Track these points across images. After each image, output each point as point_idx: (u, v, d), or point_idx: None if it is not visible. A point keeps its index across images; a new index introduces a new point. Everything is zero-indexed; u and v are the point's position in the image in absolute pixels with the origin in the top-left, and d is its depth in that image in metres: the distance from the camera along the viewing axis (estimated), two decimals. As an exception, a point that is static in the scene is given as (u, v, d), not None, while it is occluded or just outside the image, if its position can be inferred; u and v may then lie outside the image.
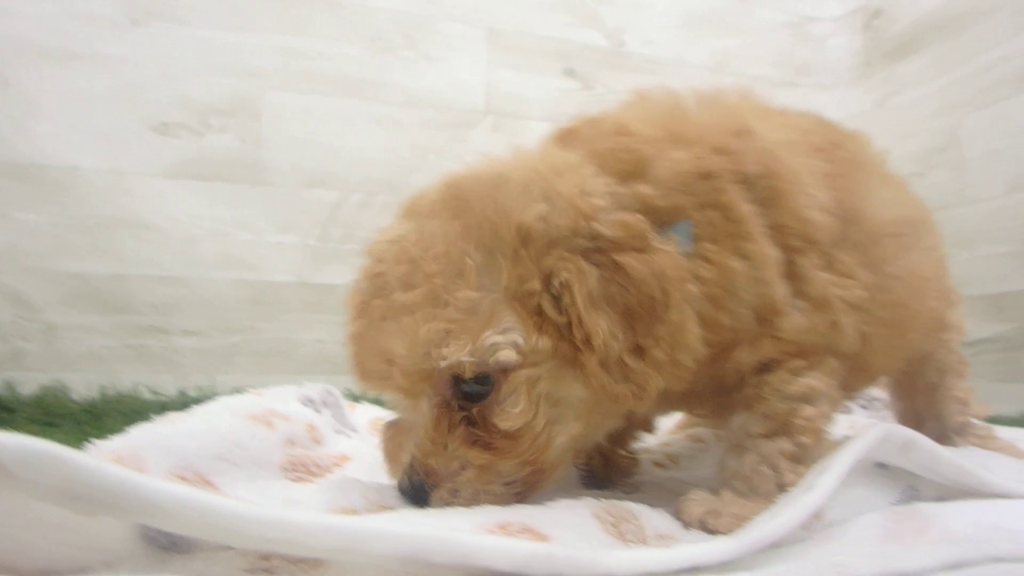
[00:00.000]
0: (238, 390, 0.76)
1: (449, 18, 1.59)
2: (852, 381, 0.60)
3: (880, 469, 0.57)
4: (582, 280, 0.46)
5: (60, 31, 1.34)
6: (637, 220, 0.48)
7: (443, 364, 0.45)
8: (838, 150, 0.62)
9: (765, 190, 0.53)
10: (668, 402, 0.60)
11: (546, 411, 0.47)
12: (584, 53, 1.68)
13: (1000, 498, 0.55)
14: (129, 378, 1.32)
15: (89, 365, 1.33)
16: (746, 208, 0.52)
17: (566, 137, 0.58)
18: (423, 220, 0.50)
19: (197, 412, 0.63)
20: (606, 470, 0.66)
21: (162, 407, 0.67)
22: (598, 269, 0.46)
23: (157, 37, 1.40)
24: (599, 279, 0.46)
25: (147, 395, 1.29)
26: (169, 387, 1.34)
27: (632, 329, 0.46)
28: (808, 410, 0.54)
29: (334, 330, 1.53)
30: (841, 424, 0.80)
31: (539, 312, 0.46)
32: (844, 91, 1.88)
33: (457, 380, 0.47)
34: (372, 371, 0.50)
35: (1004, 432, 1.01)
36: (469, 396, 0.47)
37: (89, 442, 0.53)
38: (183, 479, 0.52)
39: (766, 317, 0.53)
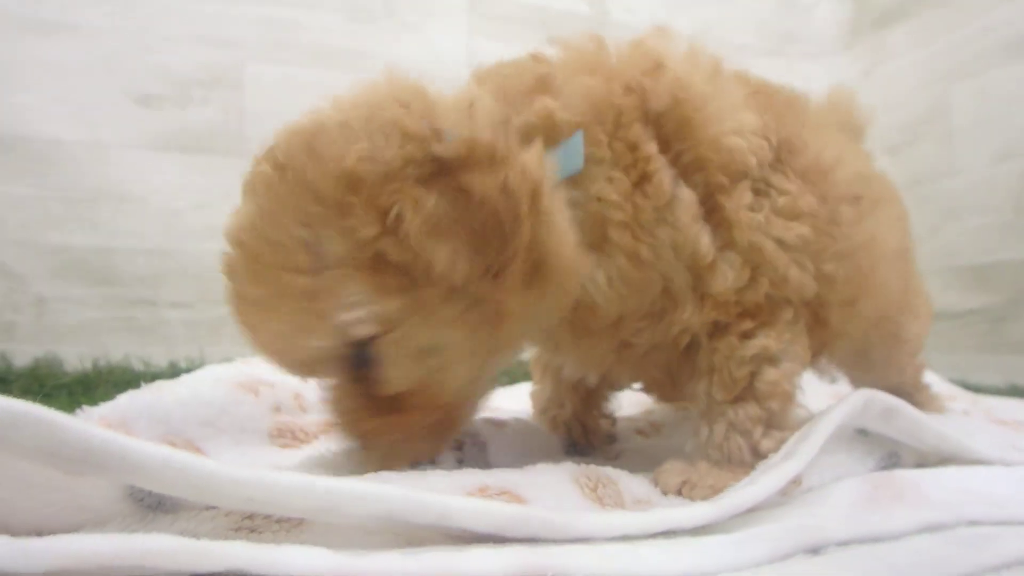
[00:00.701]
0: (227, 360, 0.76)
1: (429, -14, 1.57)
2: (813, 338, 0.56)
3: (861, 435, 0.58)
4: (416, 208, 0.41)
5: (38, 1, 1.32)
6: (487, 137, 0.43)
7: (307, 355, 0.44)
8: (778, 95, 0.58)
9: (673, 122, 0.49)
10: (620, 363, 0.56)
11: (427, 363, 0.45)
12: (566, 21, 1.67)
13: (979, 464, 0.56)
14: (120, 350, 1.32)
15: (80, 337, 1.33)
16: (650, 147, 0.48)
17: (479, 75, 0.56)
18: (252, 198, 0.45)
19: (184, 380, 0.64)
20: (586, 437, 0.66)
21: (153, 378, 0.67)
22: (438, 194, 0.42)
23: (136, 6, 1.38)
24: (439, 205, 0.41)
25: (138, 366, 1.29)
26: (159, 358, 1.34)
27: (482, 252, 0.42)
28: (771, 373, 0.51)
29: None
30: (826, 394, 0.81)
31: (382, 263, 0.42)
32: (830, 60, 1.87)
33: (339, 360, 0.45)
34: (267, 355, 0.47)
35: (988, 400, 1.03)
36: (359, 369, 0.45)
37: (81, 410, 0.53)
38: (172, 444, 0.53)
39: (697, 272, 0.50)
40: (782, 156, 0.53)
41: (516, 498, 0.41)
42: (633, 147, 0.49)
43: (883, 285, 0.62)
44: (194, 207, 1.41)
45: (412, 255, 0.42)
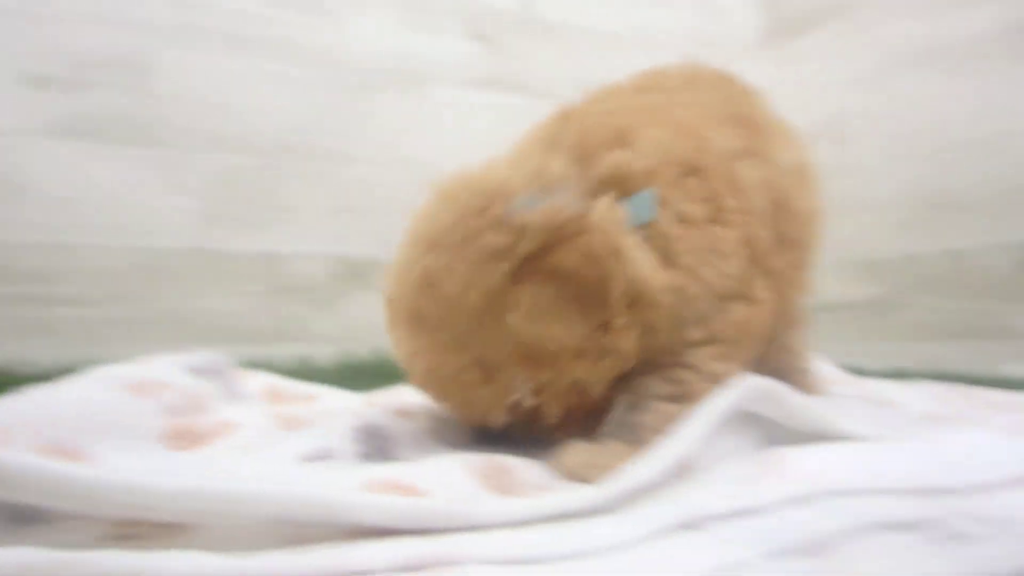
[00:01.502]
0: (124, 362, 0.73)
1: (352, -25, 1.55)
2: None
3: (745, 417, 0.61)
4: (516, 306, 0.51)
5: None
6: (560, 216, 0.51)
7: (501, 422, 0.57)
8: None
9: (739, 200, 0.59)
10: None
11: (572, 396, 0.55)
12: (493, 16, 1.67)
13: (848, 439, 0.60)
14: (5, 351, 1.25)
15: (-38, 338, 1.25)
16: (733, 203, 0.58)
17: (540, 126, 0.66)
18: (410, 341, 0.58)
19: (72, 383, 0.61)
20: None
21: (39, 381, 0.63)
22: (534, 284, 0.50)
23: (28, -16, 1.30)
24: (536, 293, 0.50)
25: (24, 368, 1.22)
26: (50, 360, 1.27)
27: (588, 314, 0.51)
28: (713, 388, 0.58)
29: (230, 299, 1.49)
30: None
31: (523, 354, 0.52)
32: (745, 65, 1.94)
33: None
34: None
35: (871, 383, 1.09)
36: (527, 416, 0.58)
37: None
38: (56, 451, 0.50)
39: (724, 303, 0.59)
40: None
41: (412, 491, 0.41)
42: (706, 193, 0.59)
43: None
44: (94, 198, 1.34)
45: (535, 340, 0.51)
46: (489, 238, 0.51)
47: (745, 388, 0.57)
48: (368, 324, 1.57)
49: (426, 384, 0.57)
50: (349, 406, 0.82)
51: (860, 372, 1.45)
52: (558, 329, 0.51)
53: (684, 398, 0.57)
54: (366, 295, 1.55)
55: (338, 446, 0.56)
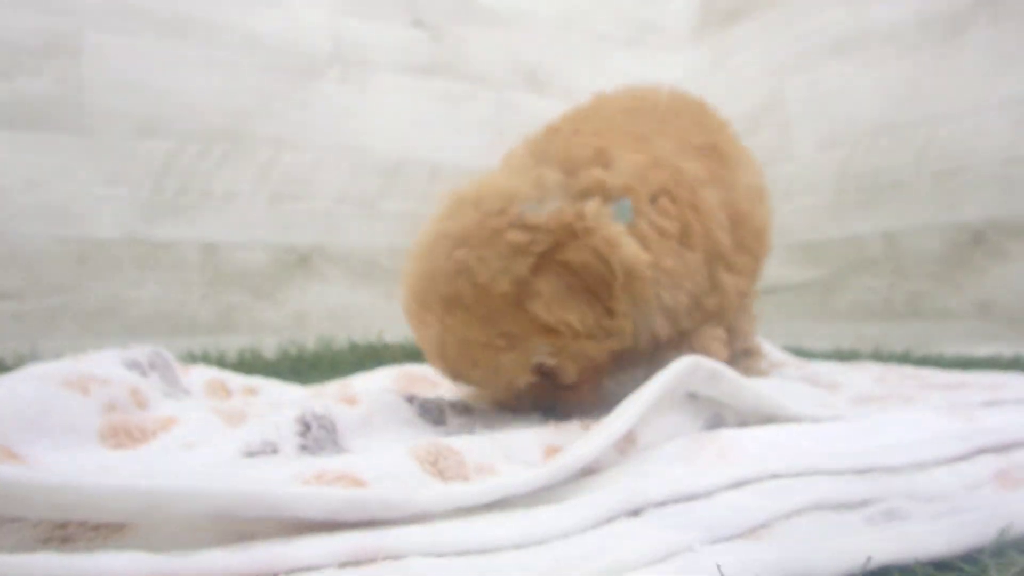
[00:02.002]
0: (62, 356, 0.71)
1: (292, -42, 1.51)
2: None
3: (691, 398, 0.62)
4: (537, 296, 0.62)
5: None
6: (565, 218, 0.63)
7: (524, 382, 0.67)
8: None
9: (700, 218, 0.72)
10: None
11: (584, 363, 0.66)
12: (433, 3, 1.65)
13: (792, 421, 0.62)
14: (-68, 348, 1.20)
15: None
16: (697, 227, 0.72)
17: (532, 142, 0.75)
18: (443, 321, 0.65)
19: (3, 379, 0.59)
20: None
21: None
22: (551, 276, 0.62)
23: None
24: (552, 283, 0.62)
25: (-46, 366, 1.17)
26: (-19, 356, 1.22)
27: (595, 302, 0.63)
28: (715, 345, 0.77)
29: (170, 288, 1.45)
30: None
31: (545, 330, 0.63)
32: (683, 53, 1.97)
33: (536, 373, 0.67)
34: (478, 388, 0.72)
35: (814, 365, 1.13)
36: (546, 376, 0.68)
37: None
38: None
39: (698, 301, 0.74)
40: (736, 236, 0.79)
41: (355, 481, 0.41)
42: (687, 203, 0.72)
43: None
44: (26, 187, 1.28)
45: (556, 322, 0.62)
46: (511, 236, 0.62)
47: (687, 368, 0.58)
48: (315, 313, 1.56)
49: (458, 355, 0.64)
50: (294, 398, 0.81)
51: (805, 353, 1.50)
52: (572, 316, 0.62)
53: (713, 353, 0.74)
54: (312, 283, 1.53)
55: (281, 439, 0.55)
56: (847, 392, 0.83)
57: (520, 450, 0.56)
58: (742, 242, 0.79)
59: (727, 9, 1.88)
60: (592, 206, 0.65)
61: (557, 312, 0.62)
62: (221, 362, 1.41)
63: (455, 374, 0.68)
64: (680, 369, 0.58)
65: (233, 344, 1.44)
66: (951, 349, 1.36)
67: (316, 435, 0.55)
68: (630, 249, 0.64)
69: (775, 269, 1.71)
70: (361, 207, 1.57)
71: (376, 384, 0.99)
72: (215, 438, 0.58)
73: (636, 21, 1.94)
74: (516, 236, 0.62)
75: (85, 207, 1.33)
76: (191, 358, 1.39)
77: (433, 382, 0.99)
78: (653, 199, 0.69)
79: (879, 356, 1.41)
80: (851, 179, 1.55)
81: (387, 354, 1.56)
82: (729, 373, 0.60)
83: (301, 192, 1.51)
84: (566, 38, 1.81)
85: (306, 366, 1.44)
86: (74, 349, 0.76)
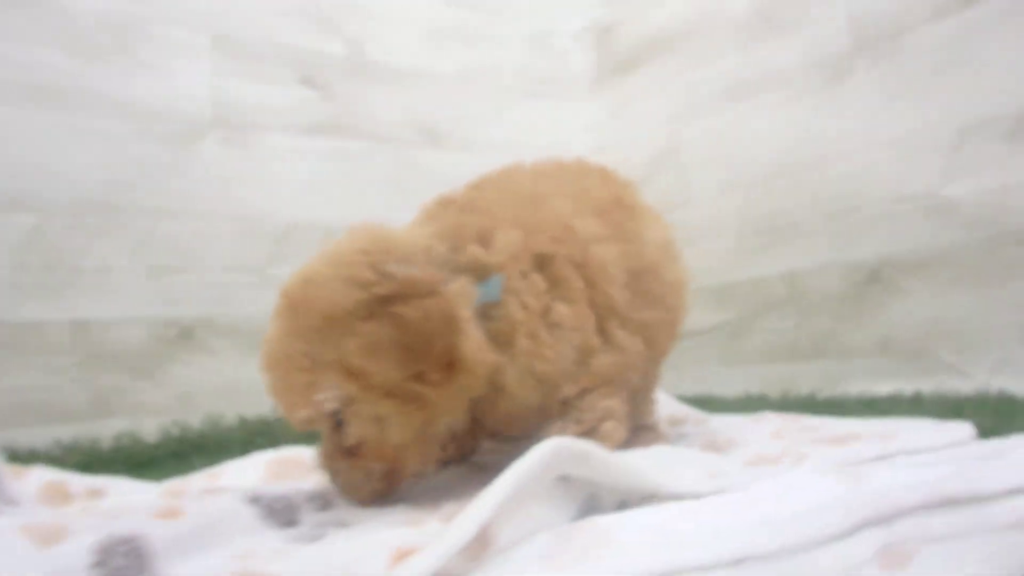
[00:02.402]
0: None
1: (167, 21, 1.44)
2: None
3: (561, 482, 0.56)
4: (358, 336, 0.62)
5: None
6: (421, 276, 0.64)
7: (305, 416, 0.65)
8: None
9: (586, 274, 0.73)
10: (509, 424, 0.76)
11: (373, 428, 0.65)
12: (322, 61, 1.61)
13: (672, 499, 0.56)
14: None
15: None
16: (578, 283, 0.72)
17: (429, 211, 0.77)
18: (278, 320, 0.66)
19: None
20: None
21: None
22: (376, 323, 0.62)
23: None
24: (376, 331, 0.62)
25: None
26: None
27: (410, 362, 0.62)
28: (610, 424, 0.73)
29: (39, 374, 1.32)
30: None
31: (347, 367, 0.63)
32: (581, 103, 1.98)
33: (323, 420, 0.66)
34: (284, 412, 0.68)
35: (715, 420, 1.09)
36: (335, 427, 0.67)
37: None
38: None
39: (584, 359, 0.73)
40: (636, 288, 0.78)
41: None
42: (564, 280, 0.73)
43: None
44: None
45: (358, 366, 0.62)
46: (358, 270, 0.63)
47: (550, 451, 0.52)
48: (201, 391, 1.45)
49: (268, 362, 0.66)
50: (135, 502, 0.71)
51: (714, 401, 1.47)
52: (378, 365, 0.62)
53: (590, 435, 0.71)
54: (198, 358, 1.43)
55: (77, 565, 0.46)
56: (742, 452, 0.79)
57: (365, 559, 0.49)
58: (647, 297, 0.78)
59: (624, 60, 1.90)
60: (459, 283, 0.67)
61: (366, 357, 0.62)
62: (94, 450, 1.28)
63: (268, 385, 0.69)
64: (542, 454, 0.52)
65: (109, 429, 1.32)
66: (855, 387, 1.35)
67: (117, 565, 0.47)
68: (468, 339, 0.64)
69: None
70: (250, 275, 1.48)
71: (246, 474, 0.90)
72: (13, 566, 0.49)
73: (535, 73, 1.95)
74: (365, 273, 0.64)
75: (-66, 289, 1.20)
76: (60, 448, 1.26)
77: (310, 467, 0.91)
78: (526, 274, 0.71)
79: (786, 399, 1.40)
80: (751, 222, 1.56)
81: (280, 430, 1.46)
82: (597, 452, 0.55)
83: (183, 263, 1.42)
84: (465, 91, 1.79)
85: (190, 448, 1.32)
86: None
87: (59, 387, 1.29)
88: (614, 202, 0.81)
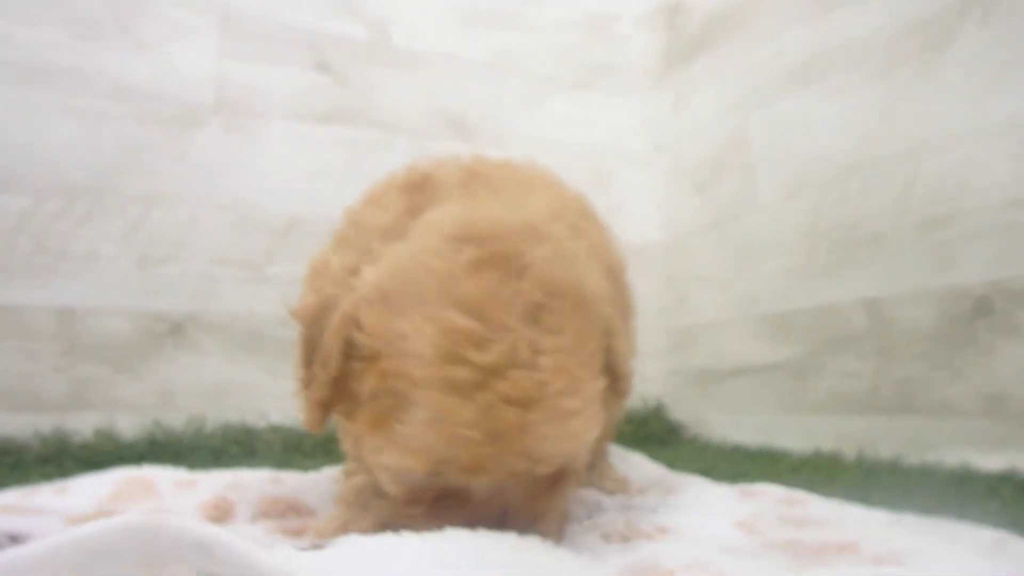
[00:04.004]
0: None
1: (172, 2, 1.39)
2: None
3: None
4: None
5: None
6: (317, 299, 0.59)
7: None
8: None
9: None
10: None
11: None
12: (340, 45, 1.49)
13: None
14: None
15: None
16: None
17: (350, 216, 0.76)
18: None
19: None
20: None
21: None
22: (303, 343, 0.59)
23: None
24: (303, 348, 0.58)
25: None
26: None
27: (304, 355, 0.59)
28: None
29: (17, 360, 1.29)
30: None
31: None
32: (639, 95, 1.72)
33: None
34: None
35: (691, 489, 0.81)
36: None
37: None
38: None
39: None
40: None
41: None
42: None
43: None
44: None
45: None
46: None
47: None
48: (185, 390, 1.36)
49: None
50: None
51: (774, 455, 1.17)
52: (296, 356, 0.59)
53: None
54: (183, 355, 1.34)
55: None
56: (675, 546, 0.54)
57: None
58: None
59: (690, 44, 1.62)
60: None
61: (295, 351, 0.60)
62: (73, 442, 1.23)
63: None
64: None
65: (88, 422, 1.26)
66: (953, 456, 1.00)
67: None
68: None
69: (741, 347, 1.39)
70: (245, 270, 1.39)
71: (95, 491, 0.77)
72: None
73: (585, 61, 1.72)
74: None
75: (-78, 269, 1.21)
76: (40, 437, 1.22)
77: (159, 493, 0.76)
78: None
79: (862, 462, 1.07)
80: (823, 233, 1.23)
81: (260, 440, 1.35)
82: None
83: (175, 253, 1.35)
84: (498, 80, 1.60)
85: (173, 450, 1.24)
86: None
87: (36, 375, 1.25)
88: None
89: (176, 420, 1.30)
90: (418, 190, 0.67)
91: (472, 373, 0.47)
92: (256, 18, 1.43)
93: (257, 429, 1.33)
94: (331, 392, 0.55)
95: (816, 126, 1.25)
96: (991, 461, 0.94)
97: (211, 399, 1.34)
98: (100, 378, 1.29)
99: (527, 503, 0.52)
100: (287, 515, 0.70)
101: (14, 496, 0.76)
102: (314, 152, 1.45)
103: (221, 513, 0.69)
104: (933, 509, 0.64)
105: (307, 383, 0.57)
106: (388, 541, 0.44)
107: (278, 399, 1.34)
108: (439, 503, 0.52)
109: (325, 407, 0.56)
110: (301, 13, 1.47)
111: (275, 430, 1.33)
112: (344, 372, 0.54)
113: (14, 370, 1.25)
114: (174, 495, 0.75)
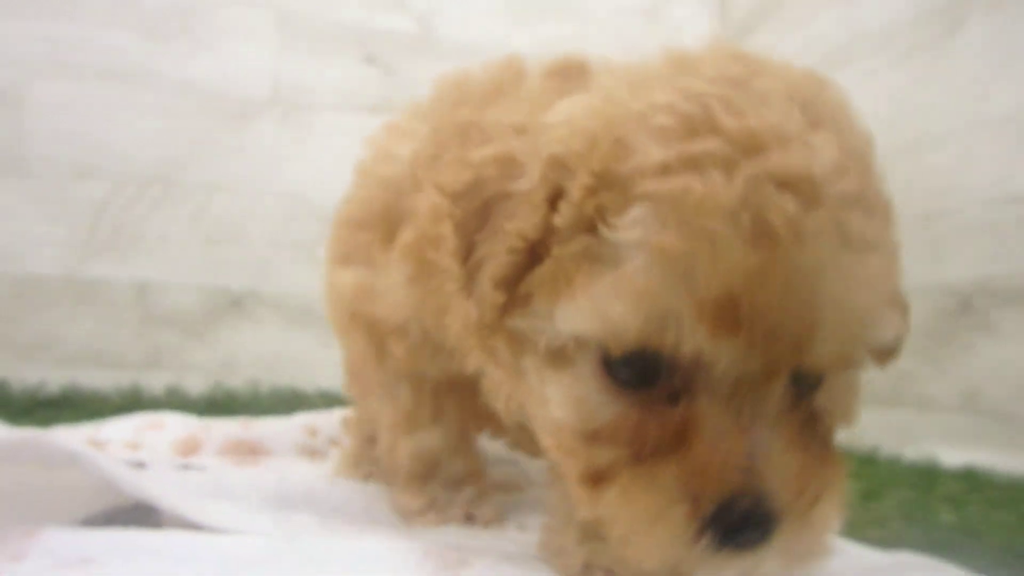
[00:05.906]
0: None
1: (232, 3, 1.53)
2: None
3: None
4: None
5: None
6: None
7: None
8: None
9: None
10: None
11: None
12: (387, 38, 1.60)
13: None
14: None
15: None
16: None
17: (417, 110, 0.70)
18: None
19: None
20: None
21: None
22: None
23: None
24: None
25: None
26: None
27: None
28: None
29: (101, 326, 1.49)
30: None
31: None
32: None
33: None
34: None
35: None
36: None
37: None
38: None
39: None
40: None
41: None
42: None
43: None
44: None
45: None
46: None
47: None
48: (245, 356, 1.54)
49: None
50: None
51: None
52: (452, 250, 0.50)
53: None
54: (244, 326, 1.51)
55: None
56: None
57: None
58: None
59: (741, 27, 1.63)
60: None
61: None
62: (146, 398, 1.42)
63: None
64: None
65: (160, 381, 1.45)
66: (927, 448, 1.03)
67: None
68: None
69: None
70: (297, 252, 1.53)
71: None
72: None
73: (642, 49, 1.75)
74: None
75: (24, 246, 1.41)
76: (119, 393, 1.42)
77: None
78: None
79: (850, 452, 1.11)
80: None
81: (308, 403, 1.50)
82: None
83: (235, 236, 1.51)
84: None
85: (231, 406, 1.40)
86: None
87: (117, 339, 1.45)
88: None
89: (236, 382, 1.47)
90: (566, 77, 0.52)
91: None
92: (309, 15, 1.56)
93: (306, 393, 1.48)
94: (524, 262, 0.39)
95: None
96: (963, 456, 0.97)
97: (267, 366, 1.50)
98: (171, 343, 1.48)
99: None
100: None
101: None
102: (360, 142, 1.57)
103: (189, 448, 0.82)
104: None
105: (472, 274, 0.41)
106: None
107: (327, 367, 1.50)
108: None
109: (511, 285, 0.39)
110: (351, 8, 1.58)
111: (323, 395, 1.48)
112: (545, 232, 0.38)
113: (99, 333, 1.45)
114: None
